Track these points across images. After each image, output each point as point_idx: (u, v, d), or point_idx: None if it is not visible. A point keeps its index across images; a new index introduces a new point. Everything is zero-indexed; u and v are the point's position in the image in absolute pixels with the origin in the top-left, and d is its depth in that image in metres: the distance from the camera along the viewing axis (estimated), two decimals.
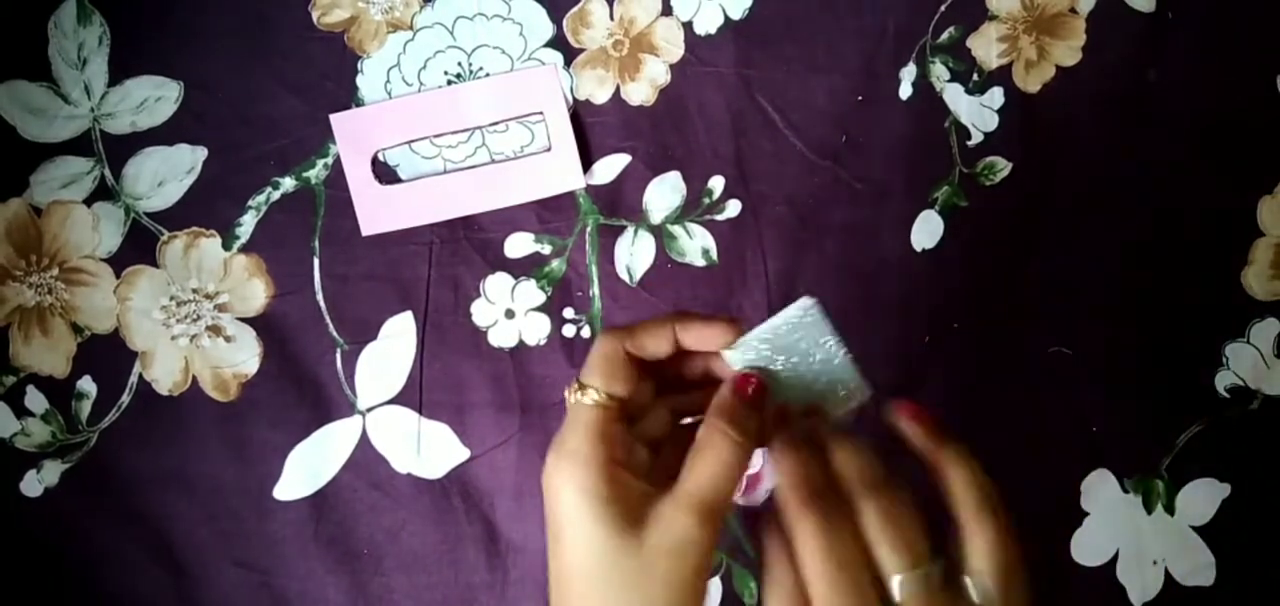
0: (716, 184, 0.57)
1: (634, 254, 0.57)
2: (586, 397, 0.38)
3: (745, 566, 0.58)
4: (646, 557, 0.35)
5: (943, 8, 0.57)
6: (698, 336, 0.40)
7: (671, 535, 0.35)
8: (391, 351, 0.56)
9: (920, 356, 0.58)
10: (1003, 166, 0.58)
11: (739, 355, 0.40)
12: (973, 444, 0.58)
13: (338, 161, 0.56)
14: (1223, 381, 0.58)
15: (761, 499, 0.58)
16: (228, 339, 0.56)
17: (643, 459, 0.40)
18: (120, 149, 0.55)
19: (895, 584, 0.34)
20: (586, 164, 0.57)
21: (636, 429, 0.40)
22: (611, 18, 0.56)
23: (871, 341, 0.57)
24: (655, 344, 0.39)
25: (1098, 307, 0.58)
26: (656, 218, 0.57)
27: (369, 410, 0.56)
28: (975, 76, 0.57)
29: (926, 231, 0.58)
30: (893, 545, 0.34)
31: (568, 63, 0.56)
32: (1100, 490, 0.58)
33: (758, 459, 0.58)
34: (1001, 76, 0.57)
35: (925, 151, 0.57)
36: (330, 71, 0.56)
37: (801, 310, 0.40)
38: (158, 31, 0.55)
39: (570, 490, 0.36)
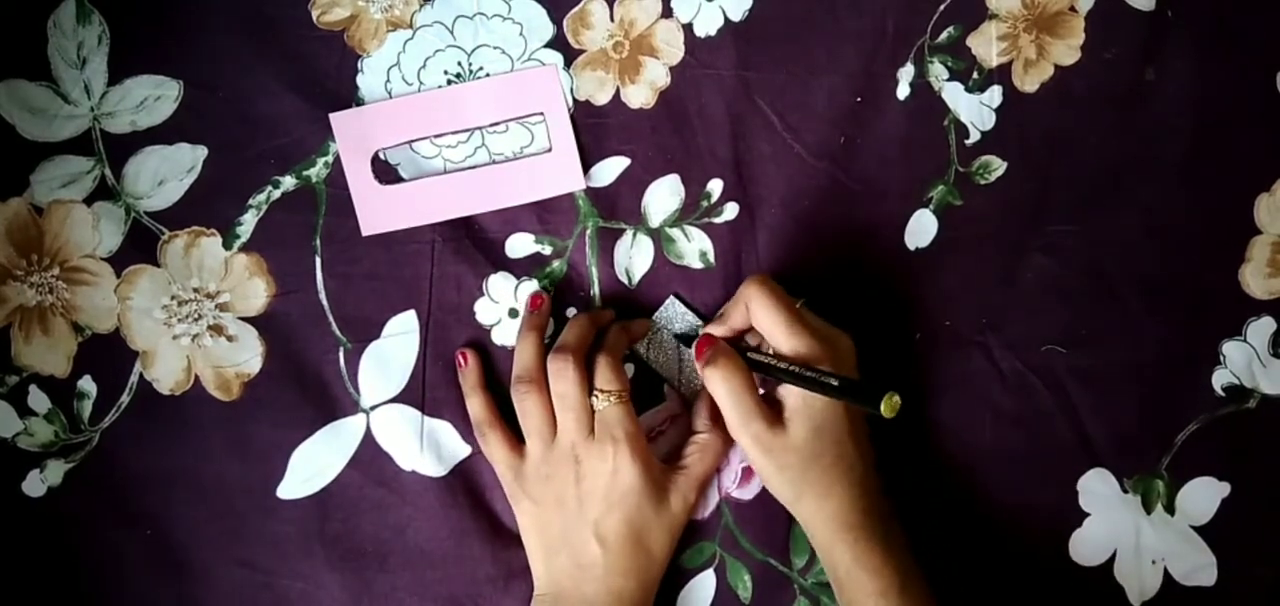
0: (715, 186, 0.57)
1: (633, 256, 0.57)
2: (613, 400, 0.52)
3: (739, 559, 0.58)
4: (671, 512, 0.54)
5: (941, 7, 0.57)
6: (632, 335, 0.57)
7: (685, 500, 0.54)
8: (394, 350, 0.57)
9: (914, 354, 0.58)
10: (998, 165, 0.58)
11: (643, 344, 0.58)
12: (972, 443, 0.58)
13: (338, 160, 0.56)
14: (1220, 380, 0.59)
15: (753, 492, 0.58)
16: (230, 338, 0.56)
17: None
18: (120, 148, 0.55)
19: None
20: (586, 166, 0.57)
21: None
22: (612, 19, 0.56)
23: (865, 339, 0.57)
24: (623, 347, 0.56)
25: (1094, 305, 0.58)
26: (655, 221, 0.57)
27: (372, 408, 0.57)
28: (975, 75, 0.57)
29: (920, 230, 0.58)
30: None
31: (568, 63, 0.56)
32: (1099, 489, 0.59)
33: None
34: (1001, 75, 0.57)
35: (923, 151, 0.57)
36: (330, 70, 0.56)
37: (667, 303, 0.58)
38: (157, 31, 0.55)
39: (633, 464, 0.52)
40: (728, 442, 0.55)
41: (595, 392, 0.53)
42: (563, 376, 0.53)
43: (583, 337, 0.54)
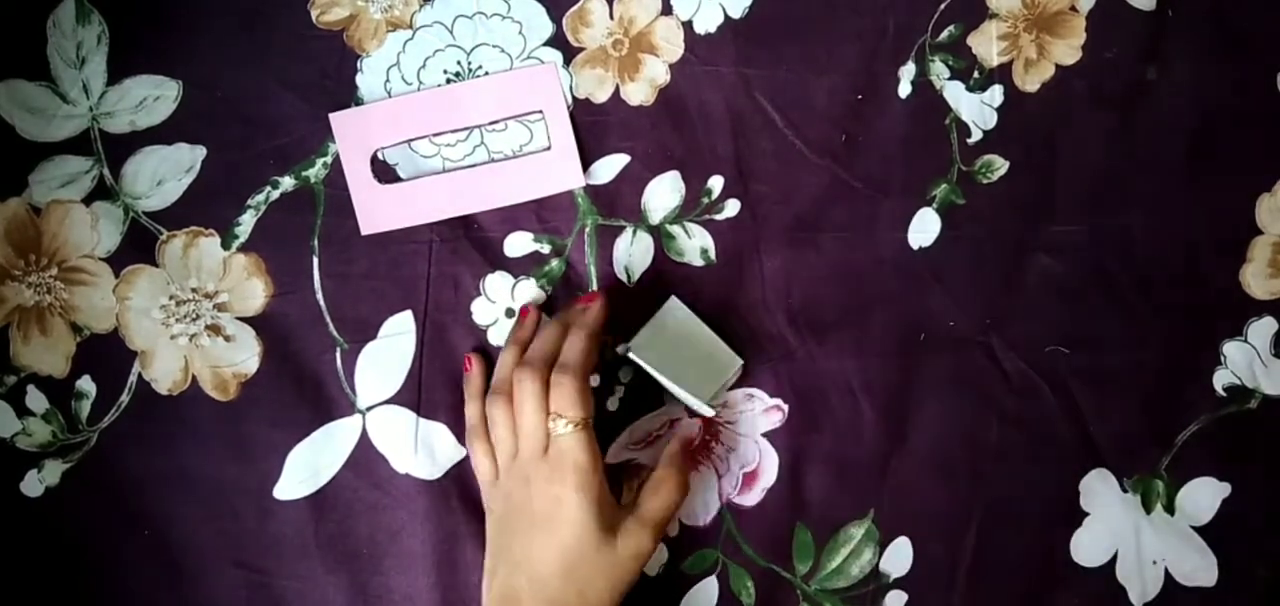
0: (715, 183, 0.57)
1: (632, 254, 0.57)
2: (572, 427, 0.49)
3: (741, 565, 0.58)
4: (616, 556, 0.50)
5: (942, 6, 0.57)
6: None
7: (635, 545, 0.50)
8: (391, 350, 0.56)
9: (916, 354, 0.58)
10: (1000, 165, 0.58)
11: (641, 346, 0.54)
12: (975, 443, 0.58)
13: (337, 160, 0.56)
14: (1221, 380, 0.58)
15: (755, 498, 0.58)
16: (227, 338, 0.56)
17: None
18: (119, 148, 0.55)
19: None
20: (585, 163, 0.57)
21: None
22: (611, 17, 0.56)
23: (867, 339, 0.57)
24: (591, 366, 0.52)
25: (1095, 305, 0.58)
26: (655, 218, 0.57)
27: (369, 409, 0.57)
28: (976, 74, 0.57)
29: (923, 229, 0.58)
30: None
31: (567, 62, 0.56)
32: (1100, 490, 0.58)
33: (755, 458, 0.58)
34: (1002, 74, 0.57)
35: (924, 150, 0.57)
36: (330, 70, 0.56)
37: (667, 307, 0.55)
38: (157, 30, 0.55)
39: (579, 497, 0.49)
40: (683, 483, 0.53)
41: (555, 417, 0.50)
42: (522, 391, 0.51)
43: (549, 351, 0.52)
